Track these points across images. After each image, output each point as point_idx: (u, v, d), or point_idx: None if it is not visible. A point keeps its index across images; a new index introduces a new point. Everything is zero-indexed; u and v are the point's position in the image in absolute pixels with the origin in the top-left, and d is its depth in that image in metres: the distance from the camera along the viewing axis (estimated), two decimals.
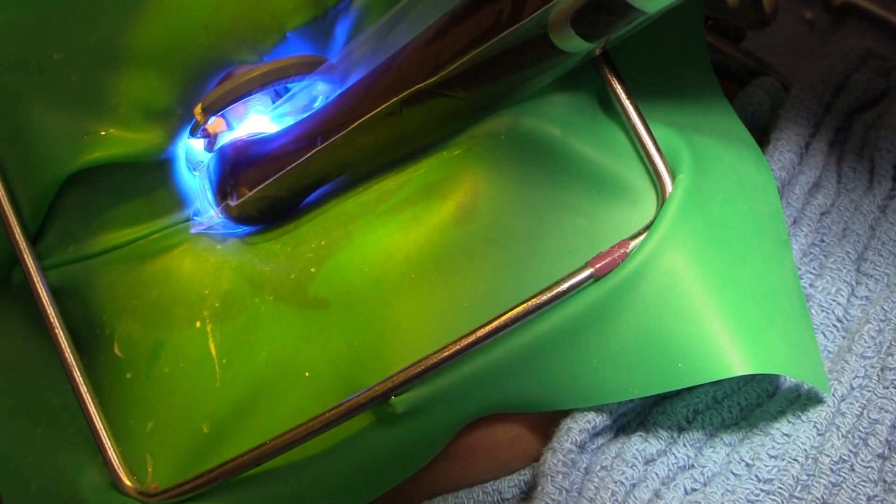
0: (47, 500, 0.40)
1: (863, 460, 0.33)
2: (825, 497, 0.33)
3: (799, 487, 0.33)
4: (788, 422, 0.35)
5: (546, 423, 0.37)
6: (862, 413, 0.34)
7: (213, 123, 0.41)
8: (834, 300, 0.38)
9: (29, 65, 0.39)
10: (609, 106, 0.37)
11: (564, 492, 0.34)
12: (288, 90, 0.41)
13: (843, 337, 0.37)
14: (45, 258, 0.40)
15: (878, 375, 0.35)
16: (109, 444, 0.39)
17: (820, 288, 0.38)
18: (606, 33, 0.33)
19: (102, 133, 0.39)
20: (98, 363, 0.40)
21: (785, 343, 0.34)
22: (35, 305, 0.40)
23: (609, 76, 0.36)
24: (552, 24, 0.33)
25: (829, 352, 0.37)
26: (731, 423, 0.36)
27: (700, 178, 0.35)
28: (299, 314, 0.38)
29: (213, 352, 0.39)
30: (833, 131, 0.42)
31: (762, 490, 0.33)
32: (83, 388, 0.39)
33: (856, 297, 0.38)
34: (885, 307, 0.36)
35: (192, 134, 0.40)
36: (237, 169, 0.40)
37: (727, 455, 0.35)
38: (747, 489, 0.33)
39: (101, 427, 0.39)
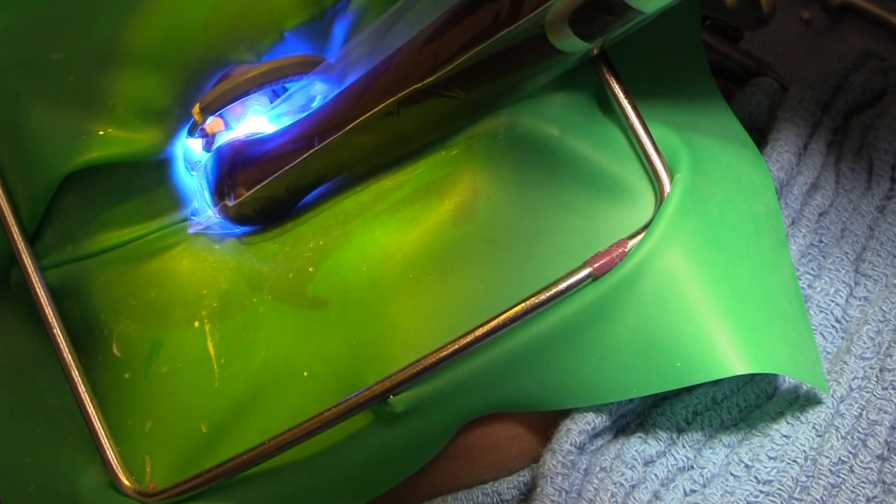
0: (46, 500, 0.40)
1: (862, 461, 0.33)
2: (824, 498, 0.33)
3: (798, 489, 0.33)
4: (787, 423, 0.35)
5: (544, 422, 0.37)
6: (861, 414, 0.34)
7: (211, 123, 0.41)
8: (832, 301, 0.38)
9: (27, 65, 0.39)
10: (607, 105, 0.37)
11: (564, 493, 0.34)
12: (286, 90, 0.41)
13: (842, 338, 0.37)
14: (44, 258, 0.40)
15: (876, 376, 0.35)
16: (108, 444, 0.39)
17: (818, 288, 0.38)
18: (604, 33, 0.33)
19: (101, 133, 0.39)
20: (96, 363, 0.40)
21: (783, 343, 0.34)
22: (33, 305, 0.40)
23: (607, 76, 0.36)
24: (550, 23, 0.33)
25: (828, 353, 0.37)
26: (731, 424, 0.36)
27: (698, 178, 0.35)
28: (298, 314, 0.38)
29: (212, 352, 0.39)
30: (831, 131, 0.42)
31: (761, 491, 0.33)
32: (81, 388, 0.39)
33: (854, 297, 0.38)
34: (883, 308, 0.36)
35: (191, 134, 0.40)
36: (234, 169, 0.40)
37: (726, 456, 0.35)
38: (746, 490, 0.33)
39: (100, 427, 0.39)
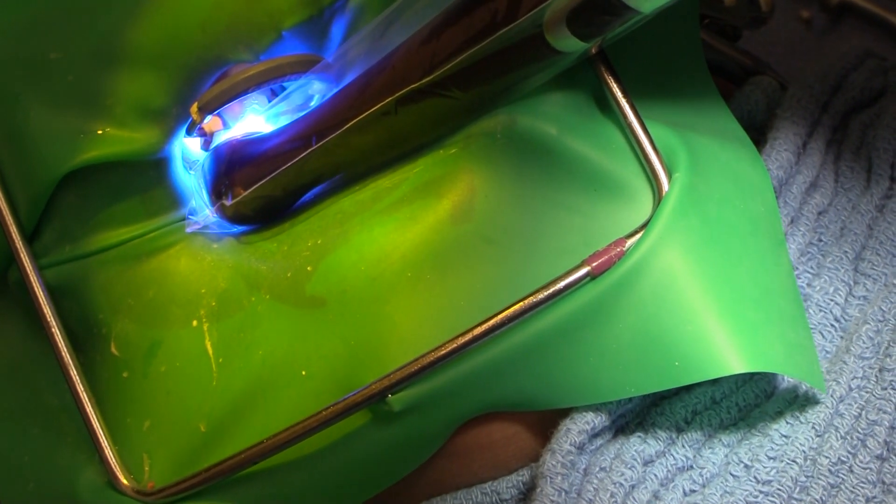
0: (44, 500, 0.40)
1: (861, 462, 0.33)
2: (824, 499, 0.33)
3: (798, 489, 0.33)
4: (787, 423, 0.35)
5: (542, 421, 0.37)
6: (860, 414, 0.34)
7: (210, 122, 0.41)
8: (832, 300, 0.38)
9: (26, 64, 0.39)
10: (605, 105, 0.37)
11: (563, 493, 0.34)
12: (284, 89, 0.41)
13: (841, 337, 0.37)
14: (42, 257, 0.40)
15: (876, 376, 0.35)
16: (106, 443, 0.39)
17: (818, 287, 0.38)
18: (602, 33, 0.33)
19: (99, 132, 0.39)
20: (95, 362, 0.40)
21: (781, 342, 0.34)
22: (31, 305, 0.40)
23: (605, 75, 0.36)
24: (547, 23, 0.33)
25: (827, 352, 0.37)
26: (730, 423, 0.36)
27: (696, 177, 0.35)
28: (296, 313, 0.38)
29: (210, 350, 0.39)
30: (830, 131, 0.42)
31: (761, 492, 0.33)
32: (80, 388, 0.39)
33: (853, 296, 0.38)
34: (882, 307, 0.36)
35: (189, 133, 0.40)
36: (232, 168, 0.40)
37: (726, 456, 0.35)
38: (746, 491, 0.33)
39: (98, 426, 0.39)
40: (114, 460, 0.39)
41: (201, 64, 0.39)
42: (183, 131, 0.40)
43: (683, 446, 0.35)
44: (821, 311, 0.38)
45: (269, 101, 0.41)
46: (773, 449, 0.34)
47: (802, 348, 0.35)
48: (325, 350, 0.37)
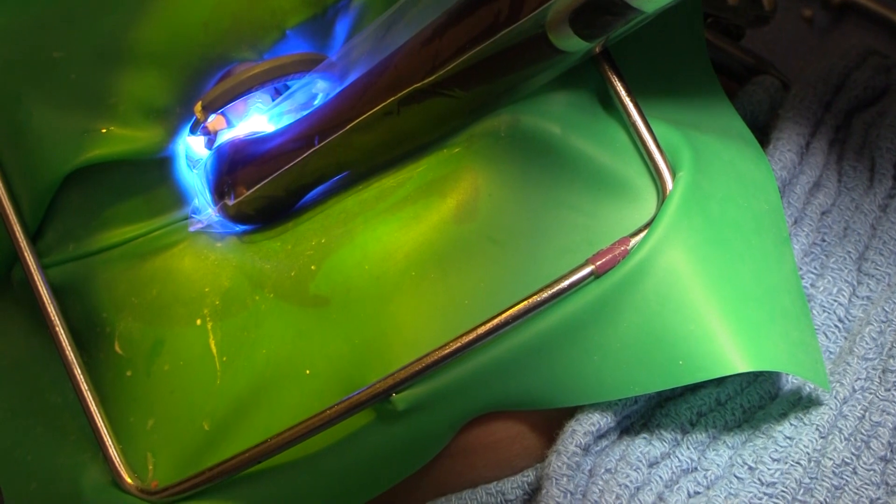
0: (48, 499, 0.40)
1: (865, 463, 0.33)
2: (828, 500, 0.33)
3: (802, 491, 0.33)
4: (791, 424, 0.35)
5: (547, 420, 0.37)
6: (864, 416, 0.34)
7: (213, 121, 0.41)
8: (835, 300, 0.38)
9: (28, 63, 0.39)
10: (609, 103, 0.37)
11: (569, 494, 0.34)
12: (287, 88, 0.41)
13: (845, 338, 0.37)
14: (46, 256, 0.40)
15: (879, 377, 0.35)
16: (110, 442, 0.39)
17: (821, 288, 0.38)
18: (605, 33, 0.33)
19: (103, 131, 0.39)
20: (98, 361, 0.40)
21: (785, 341, 0.34)
22: (35, 303, 0.39)
23: (609, 74, 0.36)
24: (550, 23, 0.33)
25: (831, 353, 0.37)
26: (734, 425, 0.36)
27: (700, 176, 0.35)
28: (300, 312, 0.38)
29: (214, 349, 0.39)
30: (833, 130, 0.42)
31: (765, 494, 0.33)
32: (84, 386, 0.39)
33: (857, 297, 0.38)
34: (885, 308, 0.36)
35: (192, 132, 0.40)
36: (234, 168, 0.40)
37: (730, 458, 0.35)
38: (750, 493, 0.33)
39: (102, 425, 0.39)
40: (118, 459, 0.39)
41: (205, 63, 0.39)
42: (187, 130, 0.40)
43: (688, 448, 0.35)
44: (824, 311, 0.38)
45: (273, 100, 0.41)
46: (776, 451, 0.34)
47: (806, 346, 0.35)
48: (329, 349, 0.37)
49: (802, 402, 0.35)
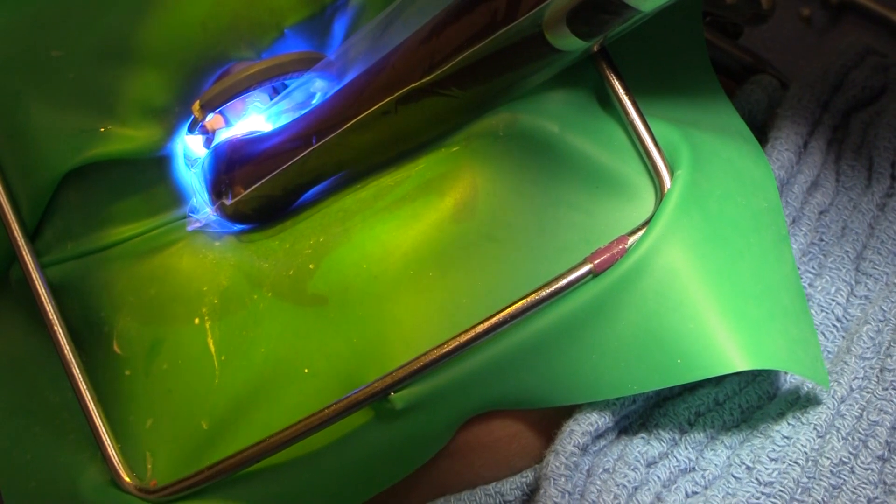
0: (47, 498, 0.40)
1: (863, 462, 0.33)
2: (825, 499, 0.33)
3: (799, 490, 0.33)
4: (789, 424, 0.35)
5: (545, 419, 0.37)
6: (861, 415, 0.34)
7: (212, 120, 0.41)
8: (833, 300, 0.38)
9: (27, 62, 0.39)
10: (607, 102, 0.36)
11: (567, 494, 0.34)
12: (286, 87, 0.41)
13: (843, 337, 0.37)
14: (44, 255, 0.40)
15: (877, 377, 0.35)
16: (109, 441, 0.39)
17: (819, 287, 0.38)
18: (602, 32, 0.33)
19: (101, 130, 0.39)
20: (97, 360, 0.40)
21: (784, 339, 0.34)
22: (34, 303, 0.39)
23: (607, 72, 0.36)
24: (547, 22, 0.33)
25: (829, 352, 0.37)
26: (732, 425, 0.36)
27: (699, 174, 0.35)
28: (298, 311, 0.38)
29: (212, 348, 0.39)
30: (831, 129, 0.42)
31: (763, 493, 0.33)
32: (82, 386, 0.39)
33: (855, 296, 0.38)
34: (883, 307, 0.36)
35: (191, 131, 0.40)
36: (232, 167, 0.40)
37: (728, 458, 0.35)
38: (748, 492, 0.33)
39: (101, 424, 0.39)
40: (116, 458, 0.38)
41: (203, 62, 0.39)
42: (185, 129, 0.40)
43: (686, 448, 0.35)
44: (823, 311, 0.38)
45: (271, 99, 0.41)
46: (774, 450, 0.34)
47: (805, 344, 0.35)
48: (328, 348, 0.37)
49: (800, 402, 0.35)
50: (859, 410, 0.34)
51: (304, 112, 0.40)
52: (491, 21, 0.34)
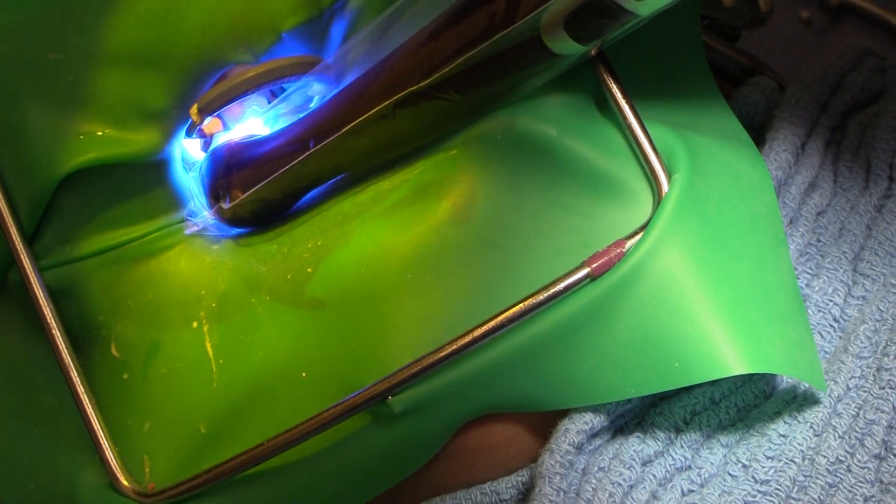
0: (44, 501, 0.40)
1: (859, 461, 0.33)
2: (822, 498, 0.33)
3: (796, 488, 0.33)
4: (785, 423, 0.35)
5: (543, 423, 0.37)
6: (858, 414, 0.34)
7: (209, 124, 0.41)
8: (830, 300, 0.38)
9: (25, 65, 0.39)
10: (605, 106, 0.36)
11: (562, 493, 0.34)
12: (284, 90, 0.41)
13: (840, 337, 0.37)
14: (42, 258, 0.40)
15: (874, 376, 0.35)
16: (107, 445, 0.39)
17: (816, 288, 0.38)
18: (600, 36, 0.33)
19: (99, 133, 0.39)
20: (95, 364, 0.40)
21: (782, 342, 0.34)
22: (32, 306, 0.39)
23: (605, 76, 0.36)
24: (545, 27, 0.33)
25: (826, 352, 0.37)
26: (729, 424, 0.36)
27: (696, 178, 0.35)
28: (296, 314, 0.38)
29: (210, 352, 0.39)
30: (829, 131, 0.42)
31: (759, 491, 0.33)
32: (80, 389, 0.39)
33: (852, 296, 0.38)
34: (880, 307, 0.36)
35: (188, 134, 0.40)
36: (230, 171, 0.40)
37: (724, 456, 0.35)
38: (744, 490, 0.33)
39: (99, 427, 0.39)
40: (114, 462, 0.39)
41: (201, 65, 0.39)
42: (183, 133, 0.40)
43: (682, 446, 0.36)
44: (820, 311, 0.38)
45: (269, 103, 0.41)
46: (771, 449, 0.34)
47: (803, 347, 0.35)
48: (326, 352, 0.37)
49: (797, 401, 0.35)
50: (856, 409, 0.34)
51: (301, 116, 0.40)
52: (489, 25, 0.34)
